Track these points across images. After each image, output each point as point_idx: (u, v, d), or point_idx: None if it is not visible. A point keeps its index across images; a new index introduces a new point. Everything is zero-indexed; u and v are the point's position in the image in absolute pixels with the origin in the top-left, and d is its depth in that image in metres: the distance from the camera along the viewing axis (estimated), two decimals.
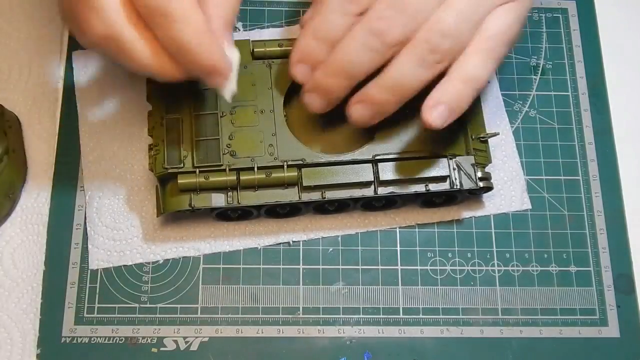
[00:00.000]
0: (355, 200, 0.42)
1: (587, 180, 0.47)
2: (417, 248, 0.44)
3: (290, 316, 0.43)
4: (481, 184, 0.41)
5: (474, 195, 0.44)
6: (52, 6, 0.48)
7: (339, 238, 0.44)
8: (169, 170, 0.40)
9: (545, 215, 0.46)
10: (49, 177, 0.45)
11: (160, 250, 0.43)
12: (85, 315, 0.42)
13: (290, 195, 0.41)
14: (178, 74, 0.35)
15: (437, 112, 0.37)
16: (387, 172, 0.41)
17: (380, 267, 0.44)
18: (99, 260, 0.43)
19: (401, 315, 0.43)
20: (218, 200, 0.40)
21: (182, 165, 0.40)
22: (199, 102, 0.42)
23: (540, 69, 0.49)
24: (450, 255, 0.44)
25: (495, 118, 0.47)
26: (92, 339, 0.42)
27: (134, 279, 0.43)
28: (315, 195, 0.41)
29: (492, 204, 0.45)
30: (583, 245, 0.45)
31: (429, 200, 0.44)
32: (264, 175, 0.40)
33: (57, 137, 0.45)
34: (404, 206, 0.44)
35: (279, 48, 0.43)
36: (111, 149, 0.45)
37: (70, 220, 0.44)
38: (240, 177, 0.40)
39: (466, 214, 0.45)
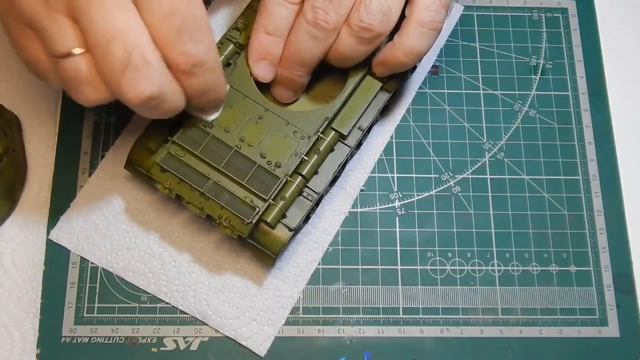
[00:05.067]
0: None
1: (587, 180, 0.47)
2: (417, 248, 0.44)
3: (290, 316, 0.43)
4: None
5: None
6: None
7: (339, 238, 0.44)
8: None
9: (545, 215, 0.46)
10: (49, 177, 0.45)
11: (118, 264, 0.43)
12: (85, 315, 0.42)
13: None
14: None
15: (381, 69, 0.42)
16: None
17: (380, 267, 0.44)
18: (59, 235, 0.43)
19: (401, 315, 0.43)
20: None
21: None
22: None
23: (540, 68, 0.49)
24: (450, 255, 0.44)
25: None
26: (92, 339, 0.42)
27: None
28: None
29: None
30: (583, 245, 0.45)
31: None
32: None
33: (57, 137, 0.45)
34: None
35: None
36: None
37: None
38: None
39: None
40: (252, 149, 0.41)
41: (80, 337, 0.42)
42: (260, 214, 0.40)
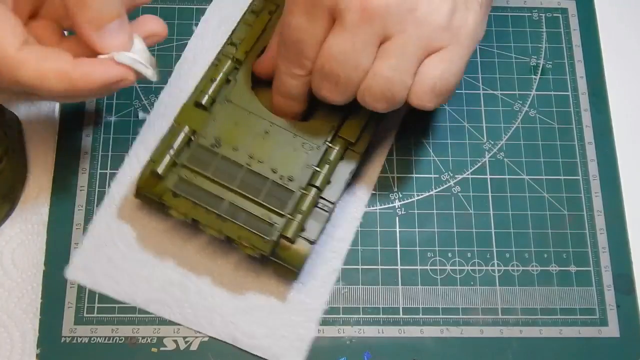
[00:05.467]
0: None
1: (587, 180, 0.47)
2: (417, 248, 0.44)
3: None
4: None
5: None
6: None
7: None
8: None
9: (545, 215, 0.46)
10: (49, 177, 0.45)
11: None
12: (85, 315, 0.42)
13: None
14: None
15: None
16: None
17: (380, 267, 0.44)
18: (75, 273, 0.42)
19: (401, 315, 0.43)
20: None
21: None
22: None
23: (540, 68, 0.49)
24: (450, 255, 0.44)
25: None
26: (92, 339, 0.42)
27: None
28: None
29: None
30: (583, 245, 0.45)
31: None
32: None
33: (57, 137, 0.45)
34: None
35: (213, 83, 0.42)
36: None
37: (70, 220, 0.44)
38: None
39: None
40: (263, 165, 0.41)
41: (80, 337, 0.42)
42: (280, 230, 0.40)
